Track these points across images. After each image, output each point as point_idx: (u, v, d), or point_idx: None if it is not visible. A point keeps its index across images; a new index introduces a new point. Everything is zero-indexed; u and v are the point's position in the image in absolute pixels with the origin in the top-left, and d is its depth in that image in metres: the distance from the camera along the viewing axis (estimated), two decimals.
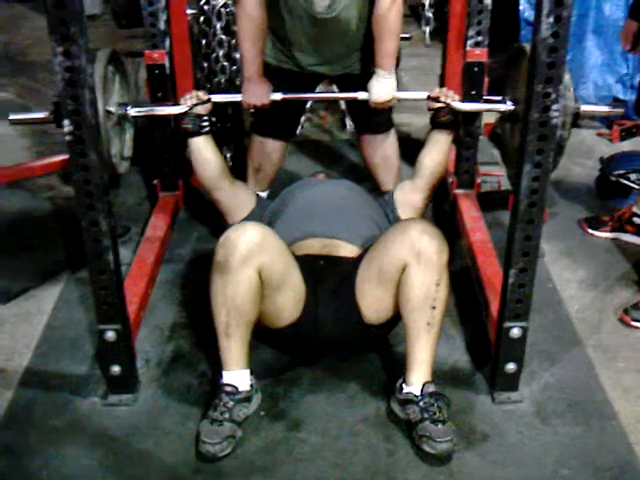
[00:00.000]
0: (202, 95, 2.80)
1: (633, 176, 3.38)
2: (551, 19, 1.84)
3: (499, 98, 2.93)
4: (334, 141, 4.34)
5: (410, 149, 3.40)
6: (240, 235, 2.20)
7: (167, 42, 3.18)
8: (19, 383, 2.45)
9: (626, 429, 2.26)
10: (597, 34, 4.27)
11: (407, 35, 3.79)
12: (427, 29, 4.66)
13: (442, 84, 3.66)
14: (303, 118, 3.35)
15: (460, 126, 3.15)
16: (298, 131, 3.36)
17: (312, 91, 3.23)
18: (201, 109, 2.79)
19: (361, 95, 2.96)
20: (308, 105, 3.31)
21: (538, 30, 1.86)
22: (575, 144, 4.15)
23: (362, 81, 2.99)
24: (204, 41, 3.65)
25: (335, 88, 3.30)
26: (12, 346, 2.64)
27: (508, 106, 2.82)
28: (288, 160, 3.71)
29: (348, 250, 2.53)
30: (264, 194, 3.33)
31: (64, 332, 2.70)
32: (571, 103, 2.63)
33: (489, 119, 4.15)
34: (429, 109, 2.86)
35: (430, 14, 4.59)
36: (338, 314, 2.38)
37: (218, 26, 3.56)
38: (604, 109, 3.04)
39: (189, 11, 3.49)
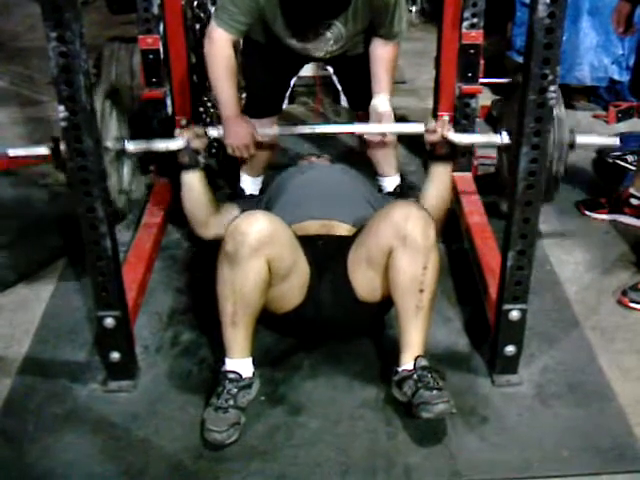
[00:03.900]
0: (198, 130, 2.77)
1: (630, 157, 3.38)
2: None
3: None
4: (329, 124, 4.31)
5: None
6: (250, 226, 2.19)
7: (161, 27, 3.15)
8: (18, 371, 2.45)
9: (625, 410, 2.26)
10: (592, 15, 4.24)
11: None
12: (413, 8, 4.67)
13: (438, 67, 3.64)
14: (288, 93, 3.33)
15: (457, 157, 3.09)
16: (285, 106, 3.33)
17: (301, 67, 3.22)
18: (197, 143, 2.76)
19: (359, 128, 2.94)
20: (293, 82, 3.29)
21: (535, 10, 1.85)
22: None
23: (356, 61, 2.98)
24: (198, 26, 3.62)
25: (330, 69, 3.28)
26: (11, 333, 2.63)
27: (504, 139, 2.78)
28: (283, 145, 3.70)
29: (345, 230, 2.55)
30: (259, 179, 3.32)
31: (63, 319, 2.69)
32: (566, 136, 2.62)
33: (485, 102, 4.15)
34: (426, 143, 2.81)
35: None
36: (335, 293, 2.39)
37: (212, 10, 3.53)
38: (599, 140, 2.96)
39: None
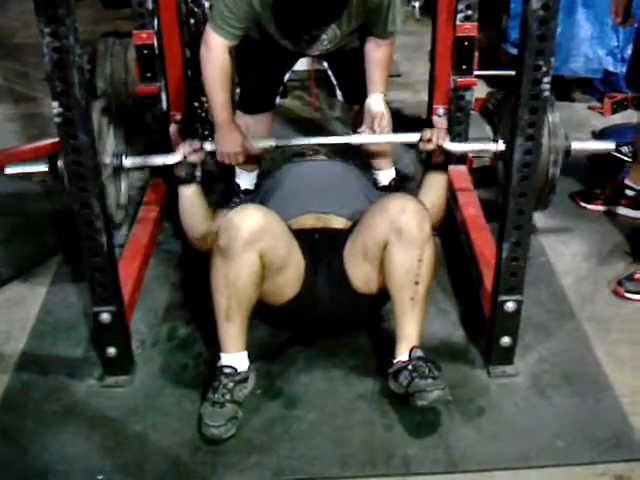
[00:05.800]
0: (195, 144, 2.76)
1: (625, 149, 3.38)
2: None
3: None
4: (325, 119, 4.32)
5: (403, 125, 3.38)
6: (243, 219, 2.19)
7: (155, 22, 3.15)
8: (15, 367, 2.45)
9: (621, 400, 2.27)
10: (587, 7, 4.23)
11: None
12: (417, 4, 4.66)
13: (432, 60, 3.64)
14: (281, 88, 3.33)
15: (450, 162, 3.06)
16: (277, 100, 3.34)
17: (295, 62, 3.22)
18: (194, 158, 2.75)
19: (354, 139, 3.00)
20: (287, 77, 3.28)
21: (529, 2, 1.85)
22: (567, 118, 4.13)
23: (351, 55, 2.98)
24: (193, 20, 3.62)
25: (325, 64, 3.28)
26: (7, 330, 2.63)
27: (500, 146, 2.78)
28: (279, 138, 3.70)
29: (342, 223, 2.55)
30: (254, 174, 3.32)
31: (59, 315, 2.69)
32: (562, 142, 2.65)
33: (480, 94, 4.15)
34: (422, 152, 2.81)
35: None
36: (332, 286, 2.40)
37: (207, 5, 3.53)
38: (595, 146, 2.98)
39: None
